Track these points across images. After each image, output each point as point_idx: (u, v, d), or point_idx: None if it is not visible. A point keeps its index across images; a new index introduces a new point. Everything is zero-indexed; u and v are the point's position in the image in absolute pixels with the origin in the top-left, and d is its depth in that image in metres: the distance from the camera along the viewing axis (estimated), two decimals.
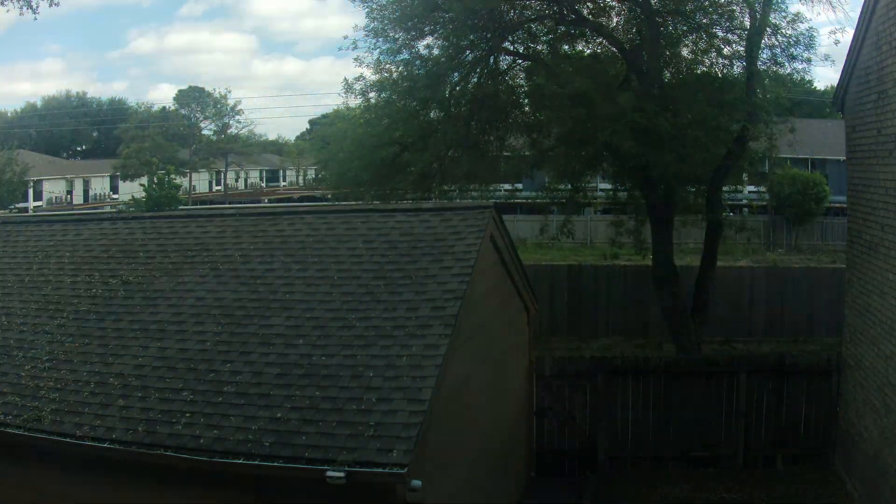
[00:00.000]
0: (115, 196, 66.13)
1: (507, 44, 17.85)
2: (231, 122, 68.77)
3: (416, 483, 6.93)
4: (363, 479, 6.93)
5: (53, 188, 64.90)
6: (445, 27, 16.67)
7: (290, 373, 8.12)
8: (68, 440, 7.77)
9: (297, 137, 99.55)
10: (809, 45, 15.43)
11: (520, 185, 27.22)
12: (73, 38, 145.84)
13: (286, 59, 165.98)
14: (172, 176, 41.59)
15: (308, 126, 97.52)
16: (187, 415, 7.77)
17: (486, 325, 10.64)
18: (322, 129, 69.00)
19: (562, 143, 16.30)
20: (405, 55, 17.22)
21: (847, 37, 13.48)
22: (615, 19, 17.37)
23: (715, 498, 13.04)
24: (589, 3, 16.84)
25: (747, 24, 15.76)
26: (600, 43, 18.11)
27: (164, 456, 7.40)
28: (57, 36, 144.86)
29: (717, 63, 16.76)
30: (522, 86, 18.91)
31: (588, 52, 18.44)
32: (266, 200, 61.40)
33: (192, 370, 8.40)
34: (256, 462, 7.20)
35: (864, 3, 12.14)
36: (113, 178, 68.86)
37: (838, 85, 14.10)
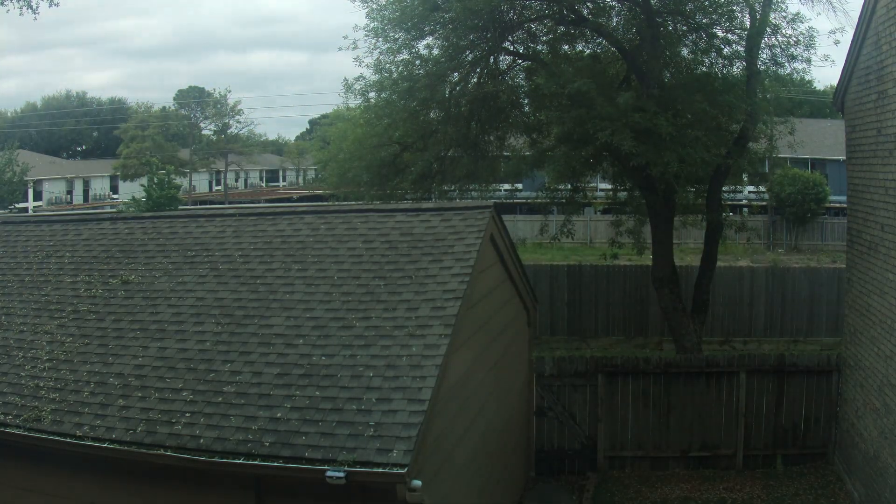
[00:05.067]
0: (115, 196, 66.18)
1: (507, 44, 17.84)
2: (231, 121, 68.75)
3: (416, 483, 6.92)
4: (363, 479, 6.93)
5: (53, 188, 64.97)
6: (445, 27, 16.65)
7: (290, 373, 8.13)
8: (68, 440, 7.77)
9: (297, 137, 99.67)
10: (809, 46, 15.42)
11: (520, 185, 27.23)
12: None
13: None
14: (172, 176, 41.59)
15: (308, 126, 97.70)
16: (187, 415, 7.77)
17: (486, 325, 10.64)
18: (322, 129, 69.03)
19: (562, 143, 16.27)
20: (405, 55, 17.21)
21: (847, 37, 13.49)
22: (615, 19, 17.36)
23: (715, 498, 13.04)
24: (589, 3, 16.83)
25: (747, 24, 15.76)
26: (600, 43, 18.11)
27: (164, 456, 7.40)
28: None
29: (717, 63, 16.75)
30: (522, 86, 18.89)
31: (588, 52, 18.44)
32: (263, 200, 61.37)
33: (192, 370, 8.40)
34: (256, 462, 7.20)
35: (864, 3, 12.14)
36: (113, 178, 68.94)
37: (838, 85, 14.10)
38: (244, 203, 58.67)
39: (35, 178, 58.79)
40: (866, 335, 12.53)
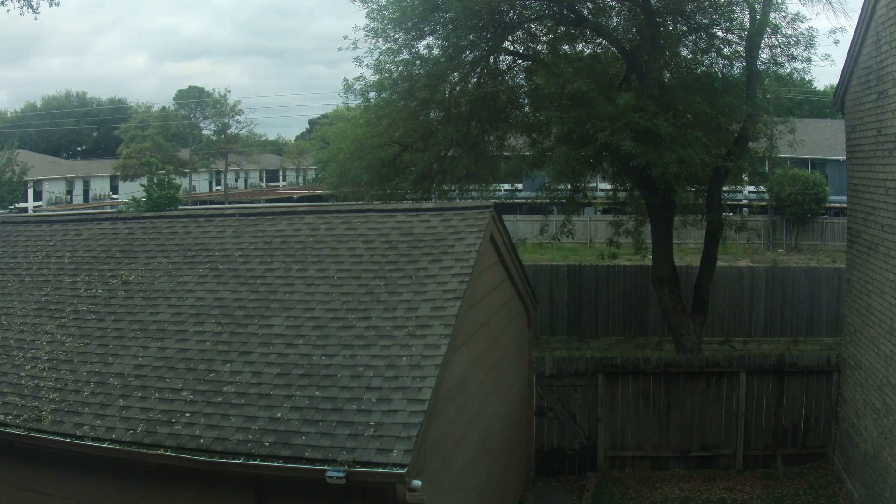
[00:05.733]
0: (115, 196, 66.21)
1: (507, 44, 17.85)
2: (231, 121, 68.72)
3: (416, 483, 6.92)
4: (363, 479, 6.93)
5: (53, 188, 64.97)
6: (445, 27, 16.66)
7: (290, 373, 8.13)
8: (68, 440, 7.77)
9: (297, 137, 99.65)
10: (809, 45, 15.42)
11: (520, 185, 27.19)
12: None
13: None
14: (172, 176, 41.63)
15: (308, 126, 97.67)
16: (187, 415, 7.77)
17: (486, 325, 10.64)
18: (322, 129, 69.03)
19: (562, 143, 16.27)
20: (405, 55, 17.21)
21: (847, 37, 13.49)
22: (615, 19, 17.36)
23: (715, 498, 13.05)
24: (589, 3, 16.83)
25: (747, 24, 15.77)
26: (600, 43, 18.11)
27: (164, 456, 7.40)
28: None
29: (717, 63, 16.76)
30: (522, 86, 18.89)
31: (588, 52, 18.44)
32: (263, 200, 61.36)
33: (192, 370, 8.40)
34: (256, 462, 7.19)
35: (864, 3, 12.15)
36: (113, 179, 68.95)
37: (838, 85, 14.10)
38: (244, 203, 58.71)
39: (35, 178, 58.79)
40: (866, 335, 12.53)
